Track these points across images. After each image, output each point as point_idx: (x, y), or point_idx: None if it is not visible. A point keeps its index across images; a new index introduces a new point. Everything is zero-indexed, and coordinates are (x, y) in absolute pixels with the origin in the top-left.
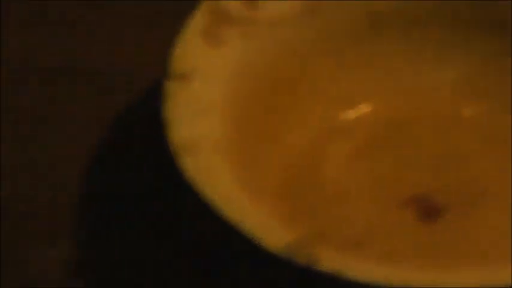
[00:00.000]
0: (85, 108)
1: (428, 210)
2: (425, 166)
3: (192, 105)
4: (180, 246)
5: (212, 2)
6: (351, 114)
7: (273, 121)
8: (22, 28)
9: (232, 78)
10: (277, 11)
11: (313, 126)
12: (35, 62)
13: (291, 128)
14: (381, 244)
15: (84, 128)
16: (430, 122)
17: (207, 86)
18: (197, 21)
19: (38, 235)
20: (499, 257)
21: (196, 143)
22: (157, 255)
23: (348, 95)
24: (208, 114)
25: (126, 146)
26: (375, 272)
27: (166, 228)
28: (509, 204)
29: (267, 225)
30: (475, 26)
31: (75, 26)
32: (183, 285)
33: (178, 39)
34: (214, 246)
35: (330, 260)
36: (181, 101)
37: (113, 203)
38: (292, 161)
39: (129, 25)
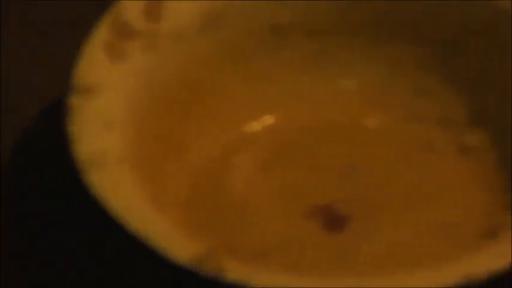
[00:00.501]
0: None
1: (333, 220)
2: (329, 176)
3: (96, 120)
4: (83, 258)
5: (114, 14)
6: (257, 125)
7: (178, 133)
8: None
9: (136, 92)
10: (179, 23)
11: (219, 137)
12: None
13: (197, 139)
14: (287, 254)
15: None
16: (334, 132)
17: (110, 100)
18: (99, 35)
19: None
20: (402, 262)
21: (102, 157)
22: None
23: (253, 106)
24: (113, 128)
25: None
26: (280, 281)
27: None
28: (410, 212)
29: (172, 237)
30: (378, 36)
31: None
32: None
33: (81, 53)
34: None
35: (236, 271)
36: (84, 116)
37: (18, 218)
38: (198, 172)
39: None
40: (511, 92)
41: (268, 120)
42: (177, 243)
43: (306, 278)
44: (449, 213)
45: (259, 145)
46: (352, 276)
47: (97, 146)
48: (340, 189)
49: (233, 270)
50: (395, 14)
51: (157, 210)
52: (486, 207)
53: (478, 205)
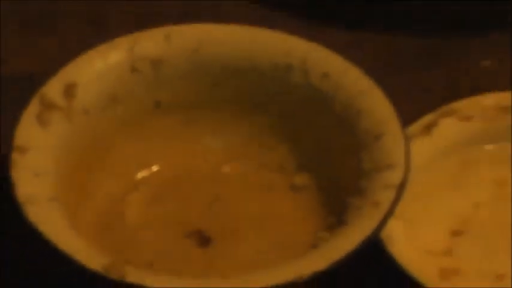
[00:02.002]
0: None
1: (203, 239)
2: (199, 208)
3: (29, 170)
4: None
5: (42, 93)
6: (146, 172)
7: (88, 179)
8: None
9: (59, 150)
10: (87, 101)
11: (118, 182)
12: None
13: (102, 184)
14: (169, 264)
15: None
16: (202, 176)
17: (40, 156)
18: (32, 107)
19: None
20: (252, 268)
21: (34, 197)
22: None
23: (143, 159)
24: (42, 176)
25: None
26: (164, 281)
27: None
28: (256, 233)
29: (88, 253)
30: (240, 108)
31: None
32: None
33: (20, 120)
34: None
35: (133, 275)
36: (21, 168)
37: None
38: (103, 208)
39: None
40: (327, 146)
41: (154, 168)
42: (91, 257)
43: (184, 279)
44: (285, 233)
45: (148, 186)
46: (216, 278)
47: (30, 189)
48: (207, 217)
49: (131, 275)
50: (247, 94)
51: (76, 235)
52: (312, 228)
53: (306, 226)
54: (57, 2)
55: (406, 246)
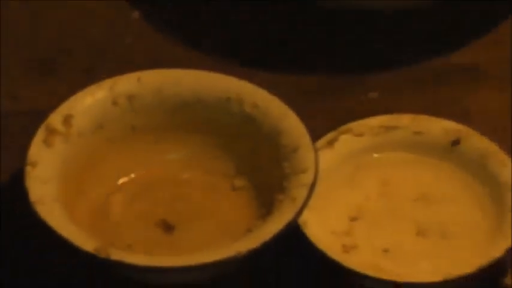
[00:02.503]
0: None
1: (167, 227)
2: (165, 204)
3: (38, 179)
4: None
5: (47, 122)
6: (126, 178)
7: (82, 185)
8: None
9: (60, 164)
10: (81, 127)
11: (105, 186)
12: None
13: (92, 188)
14: (144, 246)
15: None
16: (168, 181)
17: (46, 169)
18: (40, 133)
19: None
20: (205, 248)
21: (42, 199)
22: None
23: (123, 168)
24: (48, 183)
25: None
26: (140, 259)
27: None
28: (206, 222)
29: (83, 239)
30: (193, 130)
31: None
32: None
33: (31, 142)
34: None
35: (117, 255)
36: (32, 177)
37: None
38: (93, 205)
39: None
40: (259, 156)
41: (132, 175)
42: (85, 242)
43: (153, 257)
44: (228, 222)
45: (127, 189)
46: (176, 256)
47: (39, 193)
48: (170, 210)
49: (115, 254)
50: (198, 120)
51: (73, 226)
52: (248, 218)
53: (244, 217)
54: (59, 53)
55: (317, 229)
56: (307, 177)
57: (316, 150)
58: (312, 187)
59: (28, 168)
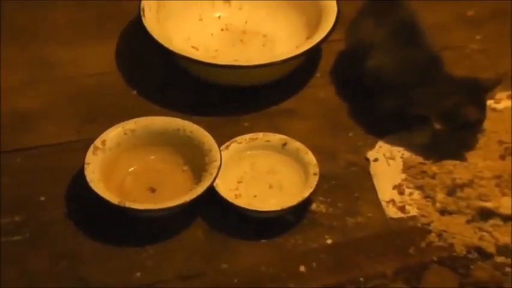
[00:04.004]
0: None
1: (153, 190)
2: (151, 179)
3: (91, 171)
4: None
5: (94, 144)
6: (131, 168)
7: (111, 173)
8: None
9: (100, 163)
10: (109, 146)
11: (121, 173)
12: None
13: (116, 174)
14: (140, 201)
15: None
16: (151, 168)
17: (94, 166)
18: (91, 149)
19: None
20: (170, 200)
21: (93, 179)
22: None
23: (130, 164)
24: (95, 173)
25: None
26: (140, 206)
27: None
28: (172, 189)
29: (113, 197)
30: (164, 143)
31: None
32: None
33: (87, 154)
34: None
35: (128, 204)
36: (87, 170)
37: None
38: (117, 183)
39: None
40: (194, 155)
41: (134, 167)
42: (114, 199)
43: (146, 204)
44: (180, 187)
45: (133, 173)
46: (158, 203)
47: (91, 177)
48: (154, 182)
49: (127, 204)
50: (166, 141)
51: (109, 193)
52: (191, 185)
53: (188, 184)
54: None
55: (222, 188)
56: (217, 164)
57: (220, 151)
58: (219, 168)
59: (85, 166)
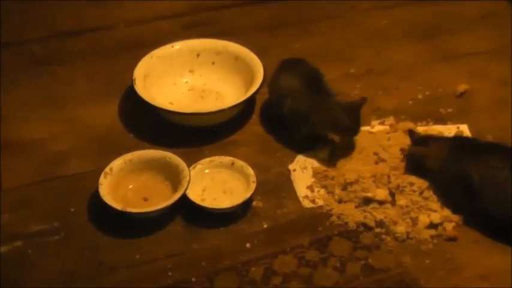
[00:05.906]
0: None
1: (146, 199)
2: (145, 192)
3: (102, 189)
4: None
5: (104, 170)
6: (130, 186)
7: (116, 189)
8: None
9: (109, 183)
10: (115, 171)
11: (124, 189)
12: None
13: (120, 190)
14: (138, 208)
15: None
16: (144, 185)
17: (106, 184)
18: (102, 174)
19: None
20: (162, 203)
21: (105, 194)
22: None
23: (129, 183)
24: (105, 189)
25: None
26: (138, 210)
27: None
28: (162, 196)
29: (117, 204)
30: (149, 169)
31: None
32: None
33: (100, 177)
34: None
35: (129, 210)
36: (100, 188)
37: None
38: (121, 195)
39: None
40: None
41: (132, 186)
42: (118, 205)
43: (141, 209)
44: (164, 195)
45: (132, 190)
46: (149, 207)
47: (103, 193)
48: (147, 194)
49: (129, 209)
50: (153, 165)
51: (114, 201)
52: (170, 193)
53: (169, 193)
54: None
55: (192, 193)
56: (187, 179)
57: (189, 170)
58: (189, 182)
59: (99, 185)
